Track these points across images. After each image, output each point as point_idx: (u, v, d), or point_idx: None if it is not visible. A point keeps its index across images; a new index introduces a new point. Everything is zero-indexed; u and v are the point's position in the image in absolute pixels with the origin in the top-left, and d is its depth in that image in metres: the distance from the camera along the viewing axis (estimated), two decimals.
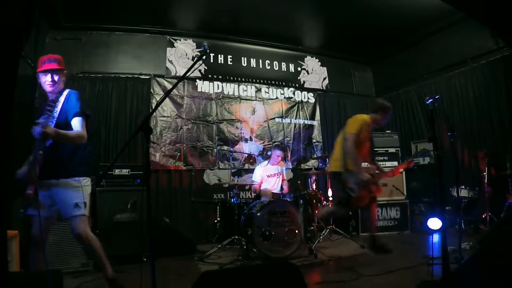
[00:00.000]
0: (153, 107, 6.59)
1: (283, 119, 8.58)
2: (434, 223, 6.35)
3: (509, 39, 5.15)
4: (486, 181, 6.43)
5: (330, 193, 6.80)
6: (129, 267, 4.83)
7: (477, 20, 5.63)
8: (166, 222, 6.15)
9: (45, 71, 3.53)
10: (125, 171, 5.75)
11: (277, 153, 6.90)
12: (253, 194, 7.32)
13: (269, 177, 6.80)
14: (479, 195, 6.67)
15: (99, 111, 6.97)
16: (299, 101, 8.90)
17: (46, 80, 3.54)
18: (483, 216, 6.29)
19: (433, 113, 3.67)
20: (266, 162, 7.13)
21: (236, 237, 5.88)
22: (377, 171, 5.11)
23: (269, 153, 7.83)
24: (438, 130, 7.66)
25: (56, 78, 3.58)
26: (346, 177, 4.74)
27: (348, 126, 4.92)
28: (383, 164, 7.61)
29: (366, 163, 5.25)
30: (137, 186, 5.68)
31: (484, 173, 6.48)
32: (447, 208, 6.78)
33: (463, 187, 6.69)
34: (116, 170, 5.69)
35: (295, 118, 8.75)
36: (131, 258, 5.18)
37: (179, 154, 7.40)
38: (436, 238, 5.88)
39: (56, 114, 3.43)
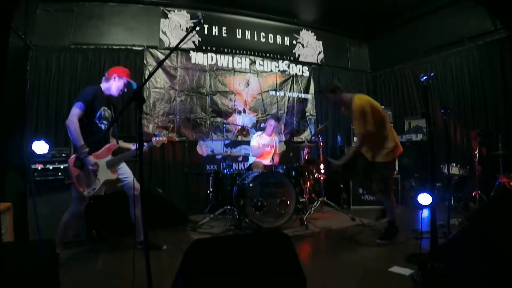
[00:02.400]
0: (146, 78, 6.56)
1: (277, 92, 8.56)
2: (424, 198, 6.40)
3: (507, 21, 5.12)
4: (477, 160, 6.49)
5: (322, 165, 6.84)
6: (123, 238, 4.88)
7: (475, 1, 5.60)
8: (159, 192, 6.17)
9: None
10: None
11: (271, 123, 6.84)
12: (245, 165, 7.35)
13: (262, 145, 6.81)
14: (469, 173, 6.73)
15: (91, 83, 6.83)
16: (293, 74, 8.85)
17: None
18: (473, 194, 6.38)
19: (427, 89, 3.66)
20: (260, 131, 7.13)
21: (229, 207, 5.92)
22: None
23: (262, 125, 7.84)
24: (432, 107, 7.68)
25: None
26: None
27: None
28: None
29: None
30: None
31: (476, 152, 6.52)
32: (437, 184, 6.85)
33: (454, 164, 6.76)
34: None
35: (289, 91, 8.73)
36: (124, 229, 5.21)
37: (172, 125, 7.38)
38: (425, 213, 5.95)
39: None
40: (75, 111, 3.83)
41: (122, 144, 4.47)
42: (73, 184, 3.83)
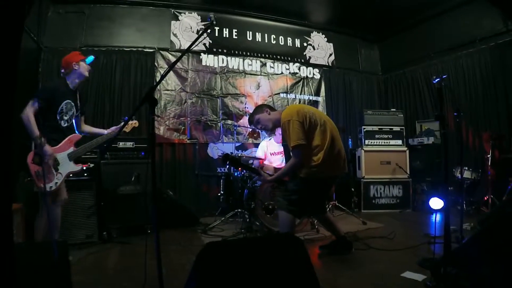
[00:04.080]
0: (157, 80, 6.59)
1: (288, 95, 8.54)
2: (436, 202, 6.36)
3: None
4: (489, 163, 6.42)
5: None
6: (133, 238, 4.91)
7: (487, 1, 5.55)
8: (169, 194, 6.19)
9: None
10: (129, 144, 5.74)
11: (279, 131, 6.83)
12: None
13: (272, 155, 6.78)
14: (482, 177, 6.68)
15: (103, 85, 6.96)
16: (304, 76, 8.83)
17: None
18: (485, 198, 6.32)
19: (441, 91, 3.63)
20: (269, 138, 7.09)
21: (239, 210, 5.94)
22: None
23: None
24: (444, 110, 7.63)
25: None
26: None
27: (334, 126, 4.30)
28: (387, 142, 7.64)
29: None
30: (141, 159, 5.68)
31: (488, 155, 6.46)
32: (449, 188, 6.79)
33: (466, 168, 6.69)
34: (121, 143, 5.67)
35: (300, 94, 8.70)
36: (135, 230, 5.25)
37: (183, 127, 7.40)
38: (437, 217, 5.90)
39: None
40: (29, 106, 3.79)
41: (92, 129, 4.54)
42: (33, 181, 3.80)
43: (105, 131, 4.42)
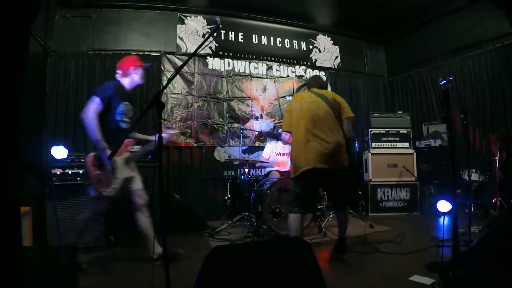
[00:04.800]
0: (164, 84, 6.61)
1: None
2: (444, 205, 6.32)
3: None
4: (497, 166, 6.37)
5: None
6: (140, 242, 4.90)
7: (492, 3, 5.53)
8: (176, 198, 6.20)
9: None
10: (136, 148, 5.73)
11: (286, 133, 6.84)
12: (263, 171, 7.32)
13: (278, 155, 6.77)
14: (489, 179, 6.63)
15: None
16: None
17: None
18: (493, 201, 6.26)
19: (448, 93, 3.61)
20: (275, 140, 7.08)
21: (246, 214, 5.93)
22: None
23: (279, 130, 7.80)
24: (451, 112, 7.60)
25: None
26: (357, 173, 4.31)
27: (346, 108, 4.19)
28: (394, 145, 7.60)
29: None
30: (148, 163, 5.66)
31: (496, 158, 6.40)
32: (457, 191, 6.74)
33: (474, 170, 6.64)
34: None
35: None
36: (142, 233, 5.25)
37: (189, 131, 7.43)
38: (445, 220, 5.87)
39: None
40: (92, 105, 3.74)
41: (140, 135, 4.53)
42: (93, 185, 3.75)
43: (152, 138, 4.40)
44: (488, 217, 6.01)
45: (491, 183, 6.53)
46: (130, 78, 4.18)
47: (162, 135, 4.36)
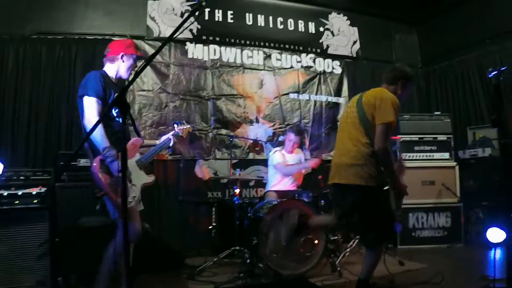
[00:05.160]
0: (130, 78, 6.61)
1: (300, 95, 8.60)
2: (496, 234, 6.34)
3: None
4: None
5: None
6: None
7: None
8: (146, 228, 6.17)
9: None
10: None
11: (290, 137, 6.80)
12: (259, 192, 7.32)
13: (288, 167, 6.78)
14: None
15: (59, 83, 6.96)
16: (321, 71, 8.90)
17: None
18: None
19: (498, 89, 3.64)
20: (279, 148, 7.07)
21: (237, 248, 5.90)
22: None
23: (280, 138, 7.81)
24: (504, 112, 7.61)
25: None
26: (386, 195, 4.17)
27: (381, 112, 4.11)
28: (430, 156, 7.60)
29: None
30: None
31: None
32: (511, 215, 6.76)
33: None
34: (82, 160, 5.67)
35: (316, 94, 8.76)
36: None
37: None
38: (498, 253, 5.89)
39: None
40: (93, 106, 3.78)
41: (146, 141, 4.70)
42: (108, 194, 3.75)
43: (157, 142, 4.67)
44: None
45: None
46: (117, 65, 4.22)
47: (167, 136, 4.62)
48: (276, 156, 6.82)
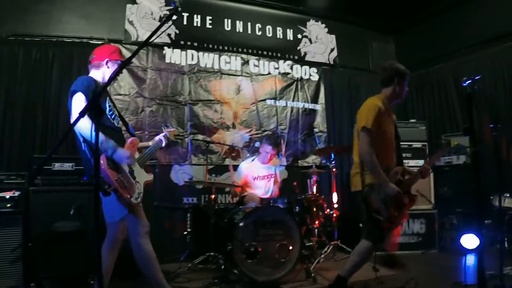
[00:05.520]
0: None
1: (277, 101, 8.61)
2: (469, 240, 6.40)
3: None
4: None
5: (335, 198, 6.81)
6: None
7: None
8: None
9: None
10: (67, 166, 5.67)
11: (266, 149, 6.84)
12: (234, 199, 7.31)
13: (256, 179, 6.78)
14: None
15: (35, 87, 6.87)
16: (298, 78, 8.94)
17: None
18: None
19: (472, 98, 3.68)
20: (252, 157, 7.09)
21: (212, 254, 5.90)
22: (406, 176, 4.66)
23: (256, 144, 7.81)
24: (478, 120, 7.70)
25: None
26: (368, 195, 4.37)
27: (358, 119, 4.49)
28: (405, 163, 7.61)
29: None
30: (84, 185, 5.59)
31: None
32: (486, 222, 6.82)
33: (508, 195, 6.70)
34: (56, 164, 5.60)
35: (293, 100, 8.79)
36: (74, 280, 5.17)
37: None
38: (471, 259, 5.95)
39: None
40: (79, 104, 3.72)
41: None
42: (117, 190, 3.70)
43: (150, 143, 4.80)
44: None
45: None
46: (102, 71, 4.19)
47: (159, 137, 4.76)
48: (239, 172, 6.98)
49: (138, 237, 4.05)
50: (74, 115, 3.71)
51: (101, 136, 3.63)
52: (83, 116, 2.34)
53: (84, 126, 3.53)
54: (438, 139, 8.49)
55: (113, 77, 2.96)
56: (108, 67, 4.15)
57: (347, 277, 4.45)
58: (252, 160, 6.88)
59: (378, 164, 4.22)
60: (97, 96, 2.45)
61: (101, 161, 3.66)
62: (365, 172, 4.36)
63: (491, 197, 6.71)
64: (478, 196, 3.69)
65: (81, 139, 3.71)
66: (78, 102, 3.72)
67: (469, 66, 8.30)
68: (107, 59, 4.15)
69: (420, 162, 7.59)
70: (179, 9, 2.65)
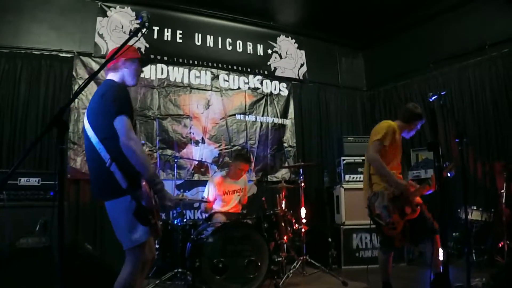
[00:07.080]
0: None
1: (246, 116, 8.63)
2: None
3: None
4: (504, 201, 6.52)
5: (303, 213, 6.81)
6: None
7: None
8: (87, 249, 6.04)
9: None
10: (33, 181, 5.60)
11: (239, 167, 6.79)
12: (203, 214, 7.27)
13: (226, 194, 6.75)
14: (495, 218, 6.75)
15: (2, 99, 6.77)
16: (267, 93, 8.98)
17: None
18: (500, 245, 6.39)
19: (436, 114, 3.73)
20: (222, 173, 7.07)
21: (180, 270, 5.85)
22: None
23: (226, 159, 7.80)
24: (445, 135, 7.80)
25: None
26: (372, 202, 4.75)
27: (371, 135, 5.05)
28: None
29: None
30: (50, 200, 5.53)
31: (502, 191, 6.57)
32: (453, 234, 6.88)
33: (475, 207, 6.77)
34: (22, 179, 5.53)
35: (262, 115, 8.81)
36: None
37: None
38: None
39: None
40: (126, 128, 3.31)
41: None
42: (151, 215, 3.41)
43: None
44: (495, 266, 6.12)
45: (497, 222, 6.64)
46: (120, 73, 3.79)
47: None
48: (208, 185, 6.92)
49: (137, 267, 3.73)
50: (132, 136, 3.31)
51: (151, 167, 3.47)
52: None
53: (140, 150, 3.37)
54: (407, 153, 8.58)
55: (80, 91, 2.82)
56: (126, 68, 3.78)
57: (386, 280, 5.18)
58: (220, 177, 6.84)
59: (385, 165, 4.64)
60: (61, 112, 2.34)
61: (143, 183, 3.47)
62: (373, 182, 4.83)
63: (458, 210, 6.77)
64: (442, 209, 3.73)
65: (108, 156, 3.35)
66: (127, 123, 3.34)
67: (436, 81, 8.44)
68: (122, 59, 3.74)
69: None
70: (147, 24, 2.63)
